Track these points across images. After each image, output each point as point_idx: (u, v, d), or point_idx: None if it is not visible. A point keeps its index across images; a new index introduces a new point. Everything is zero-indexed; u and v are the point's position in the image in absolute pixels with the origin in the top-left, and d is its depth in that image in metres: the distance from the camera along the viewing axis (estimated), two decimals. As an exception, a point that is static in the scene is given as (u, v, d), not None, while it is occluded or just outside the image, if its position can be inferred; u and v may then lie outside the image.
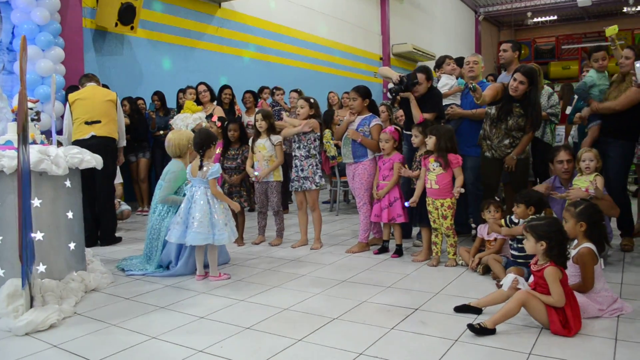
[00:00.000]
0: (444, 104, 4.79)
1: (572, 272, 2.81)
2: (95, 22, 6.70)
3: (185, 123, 5.37)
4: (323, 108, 6.41)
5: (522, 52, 17.27)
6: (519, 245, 3.33)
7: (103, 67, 6.81)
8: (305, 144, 4.64)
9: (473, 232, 4.81)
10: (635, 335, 2.50)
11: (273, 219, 4.95)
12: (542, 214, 3.46)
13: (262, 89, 7.65)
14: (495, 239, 3.76)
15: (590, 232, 2.85)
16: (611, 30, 4.51)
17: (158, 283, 3.63)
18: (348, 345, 2.45)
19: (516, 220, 3.51)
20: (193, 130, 4.82)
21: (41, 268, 3.18)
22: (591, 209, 2.92)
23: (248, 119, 6.82)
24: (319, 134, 4.66)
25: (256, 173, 4.70)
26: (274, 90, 7.45)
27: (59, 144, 4.68)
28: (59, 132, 5.25)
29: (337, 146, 5.67)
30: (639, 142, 4.42)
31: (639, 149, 4.96)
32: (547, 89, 5.13)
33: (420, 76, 4.38)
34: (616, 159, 4.15)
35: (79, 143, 4.64)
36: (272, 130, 4.76)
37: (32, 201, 3.08)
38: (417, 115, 4.30)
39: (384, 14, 13.44)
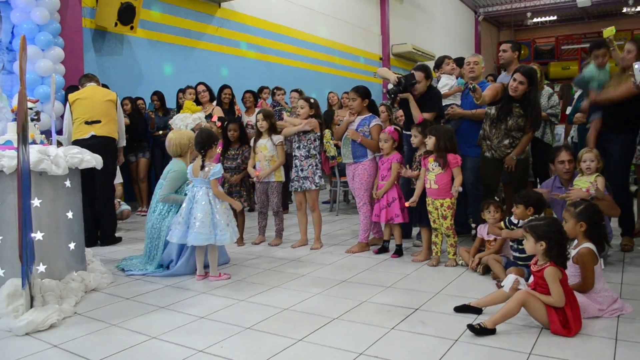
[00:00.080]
0: (444, 104, 4.79)
1: (572, 272, 2.82)
2: (95, 22, 6.70)
3: (184, 123, 5.37)
4: (323, 108, 6.41)
5: (522, 52, 17.28)
6: (520, 247, 3.32)
7: (103, 67, 6.81)
8: (305, 144, 4.64)
9: (473, 232, 4.81)
10: (635, 335, 2.50)
11: (273, 219, 4.95)
12: (542, 214, 3.47)
13: (261, 89, 7.65)
14: (495, 239, 3.76)
15: (590, 232, 2.85)
16: (608, 31, 4.50)
17: (158, 283, 3.63)
18: (348, 345, 2.46)
19: (515, 221, 3.51)
20: (193, 130, 4.82)
21: (41, 268, 3.18)
22: (591, 209, 2.92)
23: (248, 119, 6.82)
24: (319, 133, 4.66)
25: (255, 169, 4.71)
26: (275, 90, 7.46)
27: (59, 143, 4.68)
28: (59, 132, 5.25)
29: (337, 146, 5.68)
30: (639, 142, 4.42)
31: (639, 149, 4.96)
32: (547, 89, 5.14)
33: (419, 74, 4.38)
34: (617, 157, 4.15)
35: (79, 143, 4.64)
36: (273, 130, 4.76)
37: (32, 201, 3.08)
38: (417, 115, 4.30)
39: (384, 14, 13.45)
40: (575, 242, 2.91)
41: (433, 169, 3.90)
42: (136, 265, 3.98)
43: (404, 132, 4.58)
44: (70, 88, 5.79)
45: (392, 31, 13.65)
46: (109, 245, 4.95)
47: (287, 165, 5.39)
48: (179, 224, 3.63)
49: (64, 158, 3.34)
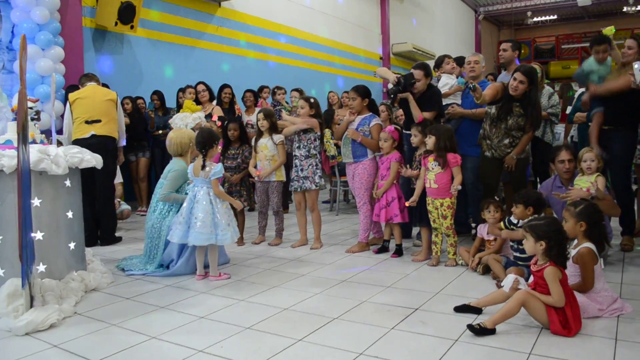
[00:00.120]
0: (444, 103, 4.79)
1: (572, 272, 2.82)
2: (95, 21, 6.70)
3: (184, 122, 5.37)
4: (323, 107, 6.41)
5: (522, 51, 17.27)
6: (520, 246, 3.32)
7: (103, 67, 6.81)
8: (305, 143, 4.64)
9: (473, 231, 4.81)
10: (635, 335, 2.50)
11: (273, 218, 4.95)
12: (542, 214, 3.46)
13: (261, 88, 7.65)
14: (495, 239, 3.76)
15: (590, 232, 2.85)
16: (608, 30, 4.50)
17: (158, 283, 3.63)
18: (348, 345, 2.46)
19: (515, 221, 3.51)
20: (193, 130, 4.82)
21: (41, 268, 3.18)
22: (591, 209, 2.92)
23: (248, 118, 6.82)
24: (319, 133, 4.65)
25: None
26: (275, 90, 7.45)
27: (59, 143, 4.68)
28: (59, 132, 5.26)
29: (337, 146, 5.67)
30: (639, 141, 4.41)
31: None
32: (547, 89, 5.13)
33: (418, 72, 4.37)
34: (618, 156, 4.14)
35: (79, 142, 4.64)
36: (274, 129, 4.76)
37: (32, 201, 3.08)
38: (417, 114, 4.30)
39: (384, 14, 13.44)
40: (575, 241, 2.90)
41: (433, 169, 3.90)
42: (136, 265, 3.99)
43: (404, 131, 4.58)
44: (71, 87, 5.79)
45: (393, 30, 13.64)
46: (109, 245, 4.95)
47: (288, 164, 5.39)
48: (180, 224, 3.63)
49: (64, 157, 3.34)
